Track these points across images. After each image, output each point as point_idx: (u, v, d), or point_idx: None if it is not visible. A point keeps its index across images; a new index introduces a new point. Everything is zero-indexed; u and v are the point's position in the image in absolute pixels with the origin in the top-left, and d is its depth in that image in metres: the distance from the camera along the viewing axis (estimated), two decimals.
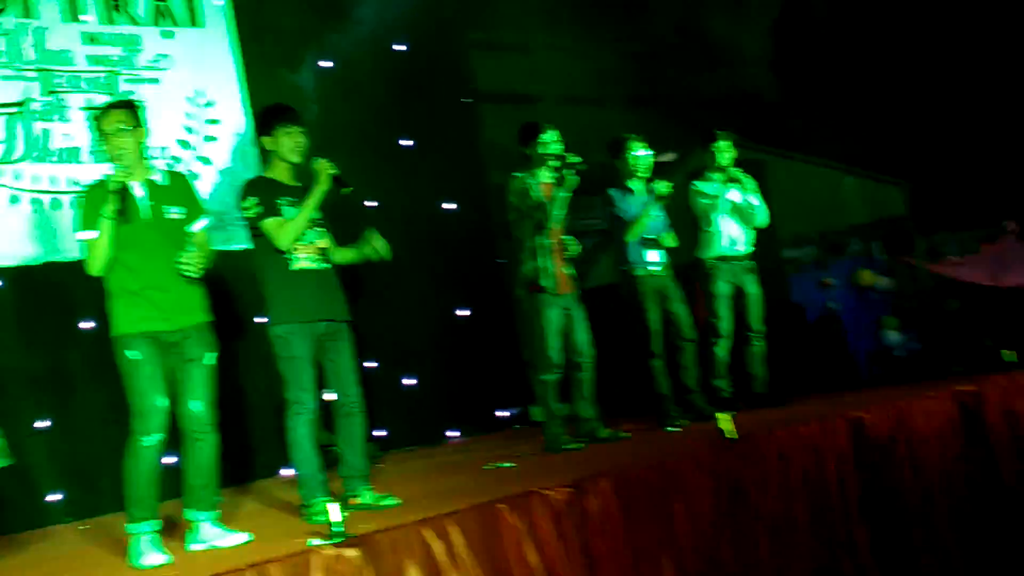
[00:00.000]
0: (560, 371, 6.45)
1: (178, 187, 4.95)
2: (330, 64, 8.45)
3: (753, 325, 7.30)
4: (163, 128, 7.47)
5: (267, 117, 5.35)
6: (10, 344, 6.78)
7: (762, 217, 7.39)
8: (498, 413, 8.87)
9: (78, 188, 6.49)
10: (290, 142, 5.23)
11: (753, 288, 7.35)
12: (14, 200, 6.88)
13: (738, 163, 7.49)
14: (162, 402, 4.72)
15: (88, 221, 4.72)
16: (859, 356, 10.07)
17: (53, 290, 6.83)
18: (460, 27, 9.69)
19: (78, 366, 6.87)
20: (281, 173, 5.28)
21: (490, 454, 6.68)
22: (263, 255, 5.21)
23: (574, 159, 6.43)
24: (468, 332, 8.81)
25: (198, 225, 4.90)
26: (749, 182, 7.38)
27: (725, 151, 7.40)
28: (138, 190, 4.79)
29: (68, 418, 6.85)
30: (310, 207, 5.14)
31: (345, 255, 5.43)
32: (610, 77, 11.60)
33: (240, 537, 4.80)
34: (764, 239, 7.95)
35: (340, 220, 5.55)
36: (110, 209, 4.65)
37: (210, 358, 4.90)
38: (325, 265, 5.28)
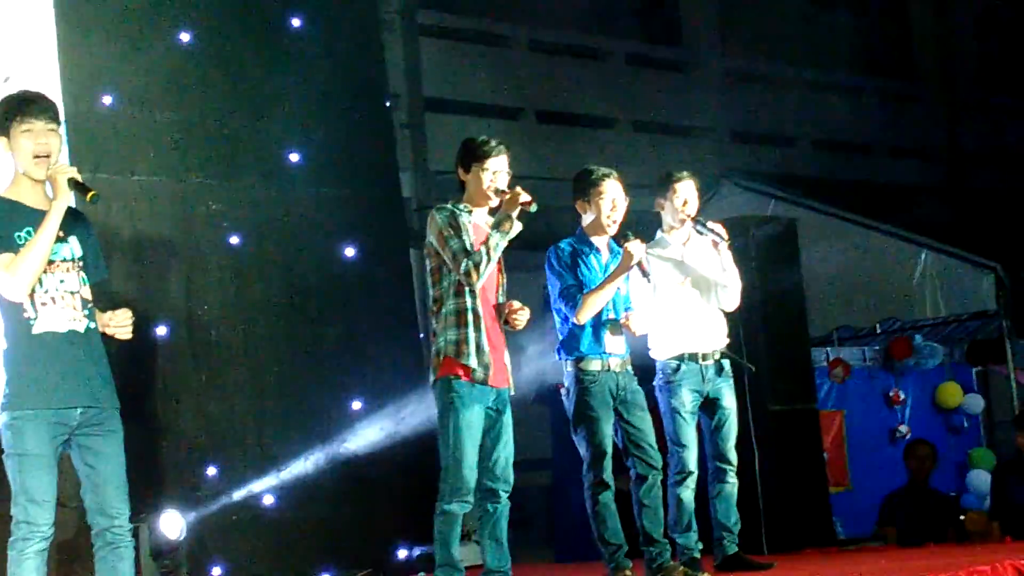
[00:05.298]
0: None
1: None
2: (188, 37, 6.79)
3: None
4: None
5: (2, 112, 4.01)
6: None
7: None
8: (402, 552, 6.94)
9: None
10: (30, 144, 3.87)
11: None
12: None
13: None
14: None
15: None
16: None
17: None
18: None
19: None
20: (25, 191, 3.96)
21: None
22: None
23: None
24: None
25: None
26: None
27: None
28: None
29: None
30: (46, 231, 3.85)
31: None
32: None
33: None
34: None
35: None
36: None
37: None
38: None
